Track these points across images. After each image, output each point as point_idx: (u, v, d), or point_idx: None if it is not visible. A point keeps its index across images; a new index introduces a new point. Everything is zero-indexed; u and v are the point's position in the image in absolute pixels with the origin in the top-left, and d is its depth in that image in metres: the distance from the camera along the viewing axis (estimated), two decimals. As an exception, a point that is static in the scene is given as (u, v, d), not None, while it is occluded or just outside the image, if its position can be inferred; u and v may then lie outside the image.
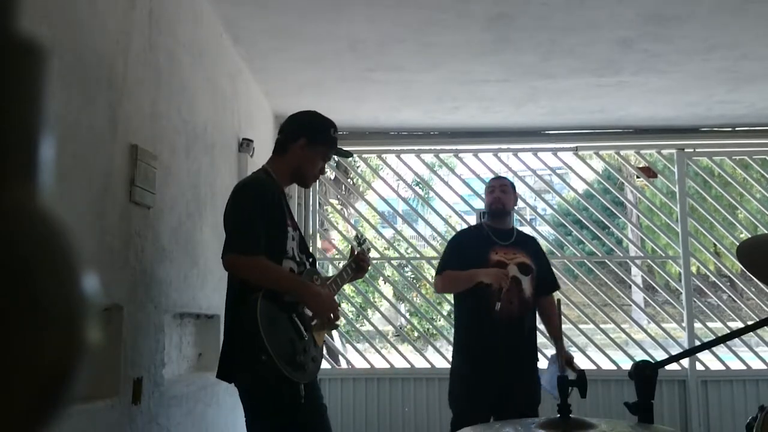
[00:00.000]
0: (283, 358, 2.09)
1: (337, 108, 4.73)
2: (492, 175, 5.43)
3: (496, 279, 3.20)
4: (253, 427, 2.23)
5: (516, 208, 3.72)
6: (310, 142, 2.39)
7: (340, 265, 4.01)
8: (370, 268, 2.91)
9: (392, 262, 6.65)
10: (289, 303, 2.21)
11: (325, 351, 3.00)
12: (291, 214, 2.40)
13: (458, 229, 5.69)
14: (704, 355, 4.80)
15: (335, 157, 2.67)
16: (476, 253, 3.34)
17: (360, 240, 2.91)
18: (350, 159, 6.51)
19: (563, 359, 3.16)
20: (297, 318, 2.22)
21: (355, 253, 2.73)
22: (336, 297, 2.57)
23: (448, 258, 3.48)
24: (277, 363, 2.06)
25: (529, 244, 3.53)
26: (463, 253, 3.40)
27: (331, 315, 2.31)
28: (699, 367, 4.85)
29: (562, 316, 3.40)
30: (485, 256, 3.32)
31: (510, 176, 5.75)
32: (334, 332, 4.86)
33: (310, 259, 2.43)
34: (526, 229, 4.82)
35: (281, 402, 2.16)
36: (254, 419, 2.22)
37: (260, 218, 2.19)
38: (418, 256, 6.44)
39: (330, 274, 3.18)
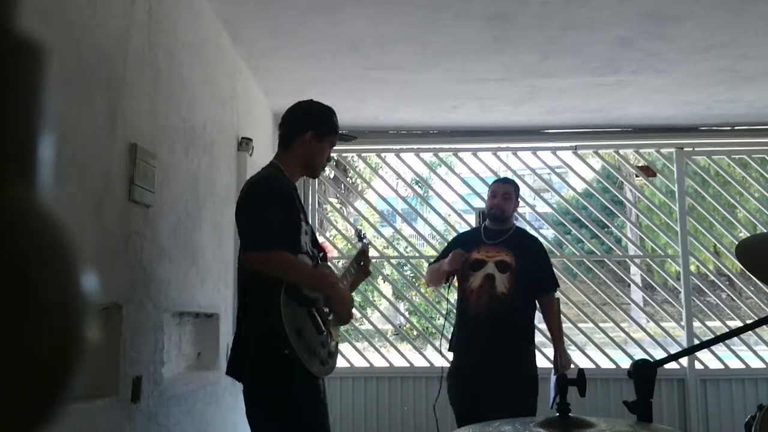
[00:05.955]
0: (305, 353, 2.09)
1: (337, 107, 4.68)
2: (492, 175, 5.46)
3: (452, 263, 3.43)
4: (268, 426, 2.18)
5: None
6: (317, 134, 2.38)
7: (340, 265, 4.01)
8: (370, 267, 2.91)
9: (391, 260, 6.65)
10: (307, 297, 2.20)
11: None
12: (303, 208, 2.39)
13: (457, 228, 5.75)
14: (703, 354, 4.81)
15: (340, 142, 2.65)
16: (465, 251, 3.50)
17: (360, 236, 2.89)
18: (349, 156, 6.52)
19: (561, 360, 3.20)
20: (316, 312, 2.21)
21: (363, 250, 2.70)
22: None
23: (440, 255, 3.70)
24: (299, 357, 2.05)
25: (523, 244, 3.56)
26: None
27: (349, 312, 2.33)
28: (698, 366, 4.85)
29: (562, 315, 3.41)
30: (469, 254, 3.48)
31: (511, 176, 5.79)
32: None
33: (321, 254, 2.42)
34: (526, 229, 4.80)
35: (300, 398, 2.15)
36: (270, 418, 2.17)
37: (275, 214, 2.18)
38: (417, 254, 6.44)
39: None
